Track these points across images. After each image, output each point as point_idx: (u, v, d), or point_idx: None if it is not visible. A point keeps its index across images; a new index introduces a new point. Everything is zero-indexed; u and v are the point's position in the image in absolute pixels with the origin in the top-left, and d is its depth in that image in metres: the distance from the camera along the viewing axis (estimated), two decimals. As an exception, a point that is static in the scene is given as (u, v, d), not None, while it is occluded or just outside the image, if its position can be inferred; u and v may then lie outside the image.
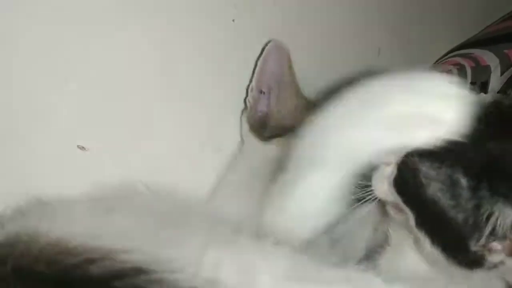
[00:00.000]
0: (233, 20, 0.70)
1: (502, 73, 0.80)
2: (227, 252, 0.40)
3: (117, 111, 0.63)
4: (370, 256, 0.54)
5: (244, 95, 0.72)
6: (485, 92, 0.79)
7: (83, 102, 0.60)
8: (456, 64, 0.87)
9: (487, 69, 0.82)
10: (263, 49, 0.68)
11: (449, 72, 0.86)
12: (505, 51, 0.84)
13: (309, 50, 0.79)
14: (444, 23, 1.07)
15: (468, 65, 0.85)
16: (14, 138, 0.56)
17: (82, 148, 0.63)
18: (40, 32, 0.54)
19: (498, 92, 0.77)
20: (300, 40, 0.76)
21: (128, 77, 0.63)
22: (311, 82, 0.73)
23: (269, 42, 0.67)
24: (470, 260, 0.45)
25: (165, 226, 0.44)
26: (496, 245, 0.43)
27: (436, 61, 0.95)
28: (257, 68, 0.67)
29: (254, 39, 0.71)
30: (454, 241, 0.45)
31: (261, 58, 0.67)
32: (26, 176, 0.58)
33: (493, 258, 0.44)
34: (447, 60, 0.92)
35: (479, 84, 0.80)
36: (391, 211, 0.51)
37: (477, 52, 0.87)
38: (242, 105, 0.72)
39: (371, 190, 0.49)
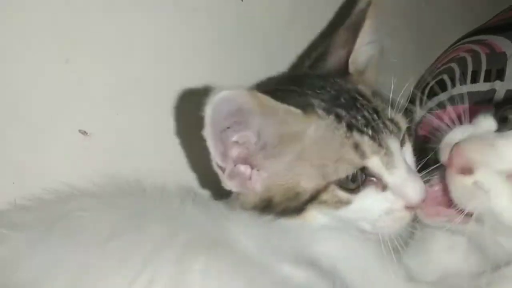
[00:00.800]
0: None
1: (519, 60, 0.77)
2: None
3: (118, 96, 0.63)
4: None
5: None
6: (501, 80, 0.76)
7: (85, 87, 0.60)
8: (470, 51, 0.84)
9: (503, 56, 0.79)
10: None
11: (461, 59, 0.84)
12: (520, 36, 0.81)
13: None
14: (456, 9, 1.05)
15: (482, 52, 0.83)
16: (15, 124, 0.55)
17: (84, 132, 0.61)
18: (41, 19, 0.54)
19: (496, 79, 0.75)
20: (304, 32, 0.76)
21: (130, 63, 0.63)
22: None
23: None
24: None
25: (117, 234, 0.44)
26: None
27: (449, 47, 0.93)
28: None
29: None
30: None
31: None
32: (28, 161, 0.57)
33: None
34: (459, 46, 0.89)
35: (495, 72, 0.78)
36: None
37: (491, 38, 0.85)
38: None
39: None
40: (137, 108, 0.65)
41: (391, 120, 0.48)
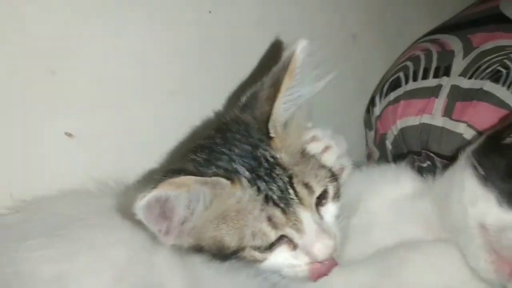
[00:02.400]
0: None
1: (464, 57, 0.84)
2: None
3: (103, 98, 0.68)
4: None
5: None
6: (448, 76, 0.84)
7: (70, 89, 0.65)
8: (424, 50, 0.92)
9: (451, 54, 0.87)
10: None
11: (416, 57, 0.91)
12: (469, 36, 0.88)
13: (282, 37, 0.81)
14: (420, 9, 1.11)
15: (435, 50, 0.90)
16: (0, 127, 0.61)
17: (70, 135, 0.69)
18: (27, 21, 0.58)
19: (459, 75, 0.82)
20: (273, 28, 0.80)
21: (114, 68, 0.67)
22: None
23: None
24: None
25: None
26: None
27: (408, 47, 1.00)
28: None
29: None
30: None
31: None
32: (14, 163, 0.62)
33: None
34: (417, 45, 0.96)
35: (443, 68, 0.85)
36: None
37: (443, 37, 0.92)
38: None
39: None
40: (122, 111, 0.70)
41: (306, 185, 0.51)
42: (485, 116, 0.76)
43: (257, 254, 0.50)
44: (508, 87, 0.76)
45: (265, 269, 0.52)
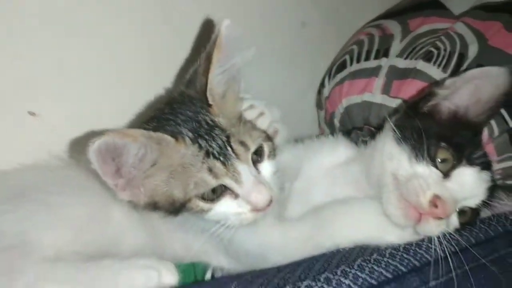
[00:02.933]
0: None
1: (402, 40, 0.92)
2: None
3: (66, 79, 0.73)
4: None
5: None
6: (387, 57, 0.91)
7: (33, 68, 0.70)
8: (368, 34, 0.99)
9: (391, 37, 0.94)
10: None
11: (360, 41, 0.99)
12: (408, 20, 0.96)
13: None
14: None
15: (377, 34, 0.97)
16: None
17: (33, 114, 0.74)
18: None
19: (396, 56, 0.89)
20: (219, 13, 0.82)
21: (75, 47, 0.72)
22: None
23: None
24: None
25: None
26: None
27: (355, 32, 1.07)
28: None
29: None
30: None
31: None
32: None
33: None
34: (362, 31, 1.04)
35: (383, 50, 0.93)
36: None
37: (386, 22, 0.99)
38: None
39: None
40: (85, 91, 0.75)
41: (241, 143, 0.58)
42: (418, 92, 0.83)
43: (203, 204, 0.57)
44: (439, 65, 0.84)
45: (213, 218, 0.59)
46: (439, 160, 0.62)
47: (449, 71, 0.83)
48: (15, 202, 0.60)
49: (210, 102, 0.59)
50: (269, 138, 0.63)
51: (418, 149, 0.62)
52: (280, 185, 0.69)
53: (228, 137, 0.58)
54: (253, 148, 0.59)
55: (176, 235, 0.65)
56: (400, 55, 0.89)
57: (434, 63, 0.84)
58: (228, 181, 0.57)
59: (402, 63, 0.87)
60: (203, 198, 0.57)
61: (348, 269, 0.52)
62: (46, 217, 0.58)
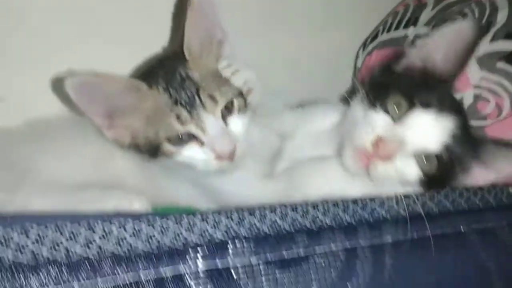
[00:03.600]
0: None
1: (433, 8, 0.88)
2: None
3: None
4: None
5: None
6: (415, 26, 0.88)
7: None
8: (405, 5, 0.95)
9: (424, 6, 0.90)
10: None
11: (396, 12, 0.96)
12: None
13: None
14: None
15: (412, 4, 0.93)
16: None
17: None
18: None
19: (424, 25, 0.86)
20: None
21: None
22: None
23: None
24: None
25: None
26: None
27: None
28: None
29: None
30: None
31: None
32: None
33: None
34: (402, 2, 1.00)
35: (413, 19, 0.89)
36: None
37: (421, -9, 0.95)
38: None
39: None
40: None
41: (210, 96, 0.63)
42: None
43: (171, 147, 0.64)
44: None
45: (183, 162, 0.65)
46: (393, 107, 0.61)
47: (473, 39, 0.78)
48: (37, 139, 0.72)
49: (187, 57, 0.65)
50: (241, 95, 0.67)
51: (371, 98, 0.62)
52: (273, 145, 0.73)
53: (198, 89, 0.63)
54: (221, 101, 0.64)
55: (168, 181, 0.73)
56: (427, 23, 0.85)
57: (459, 30, 0.80)
58: (193, 129, 0.63)
59: (426, 32, 0.84)
60: (171, 142, 0.64)
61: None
62: (56, 154, 0.69)
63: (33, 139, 0.72)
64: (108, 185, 0.70)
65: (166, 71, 0.65)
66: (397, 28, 0.91)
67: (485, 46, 0.76)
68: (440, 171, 0.61)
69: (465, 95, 0.76)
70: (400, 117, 0.61)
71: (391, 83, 0.63)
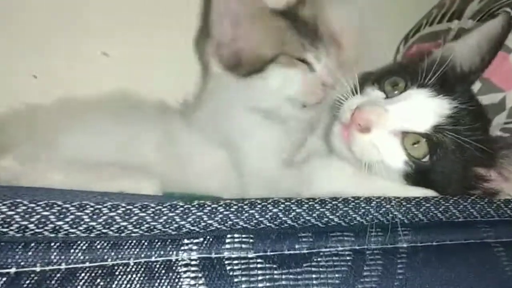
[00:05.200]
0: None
1: (480, 1, 0.81)
2: None
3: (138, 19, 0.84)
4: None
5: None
6: (459, 19, 0.82)
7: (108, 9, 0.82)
8: (452, -3, 0.90)
9: (471, -2, 0.84)
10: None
11: (442, 4, 0.90)
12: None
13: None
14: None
15: (460, -4, 0.87)
16: (41, 42, 0.79)
17: (105, 54, 0.87)
18: None
19: (469, 18, 0.80)
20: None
21: None
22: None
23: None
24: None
25: None
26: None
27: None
28: None
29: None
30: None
31: None
32: (53, 76, 0.81)
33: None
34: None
35: (458, 12, 0.83)
36: None
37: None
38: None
39: None
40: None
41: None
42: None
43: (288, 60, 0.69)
44: (510, 28, 0.73)
45: (271, 83, 0.69)
46: (390, 86, 0.61)
47: (520, 34, 0.71)
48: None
49: None
50: None
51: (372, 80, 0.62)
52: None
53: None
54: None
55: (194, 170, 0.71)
56: (472, 16, 0.79)
57: (505, 24, 0.73)
58: (311, 58, 0.69)
59: (471, 26, 0.78)
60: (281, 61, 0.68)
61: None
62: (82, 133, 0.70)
63: (63, 116, 0.74)
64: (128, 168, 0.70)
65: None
66: (440, 21, 0.85)
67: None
68: (432, 162, 0.56)
69: (509, 94, 0.70)
70: (393, 95, 0.59)
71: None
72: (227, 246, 0.44)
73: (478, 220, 0.53)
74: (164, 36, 0.87)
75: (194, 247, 0.43)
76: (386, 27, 0.98)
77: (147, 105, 0.78)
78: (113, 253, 0.40)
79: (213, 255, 0.43)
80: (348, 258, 0.47)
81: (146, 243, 0.42)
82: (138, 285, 0.40)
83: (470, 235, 0.52)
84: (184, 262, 0.42)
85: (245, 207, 0.45)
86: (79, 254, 0.39)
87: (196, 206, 0.43)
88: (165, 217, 0.42)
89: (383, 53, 0.99)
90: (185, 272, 0.42)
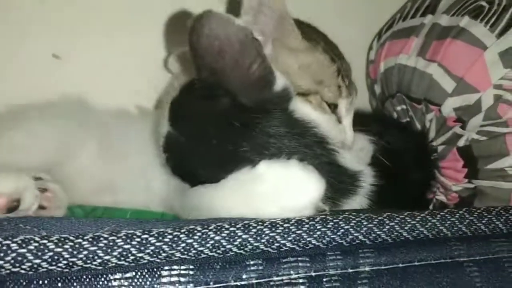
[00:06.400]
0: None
1: (455, -7, 0.76)
2: None
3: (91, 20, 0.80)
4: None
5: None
6: (433, 14, 0.77)
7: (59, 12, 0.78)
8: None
9: (445, -9, 0.79)
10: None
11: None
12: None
13: None
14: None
15: (434, -11, 0.82)
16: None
17: (57, 56, 0.81)
18: None
19: (443, 13, 0.75)
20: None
21: None
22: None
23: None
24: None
25: None
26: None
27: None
28: None
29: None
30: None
31: None
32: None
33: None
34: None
35: (432, 6, 0.78)
36: None
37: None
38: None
39: None
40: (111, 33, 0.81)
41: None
42: (457, 55, 0.69)
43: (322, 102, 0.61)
44: (486, 23, 0.68)
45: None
46: None
47: (497, 30, 0.67)
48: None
49: None
50: None
51: None
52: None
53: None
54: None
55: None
56: (447, 11, 0.74)
57: (482, 20, 0.68)
58: (344, 106, 0.62)
59: (445, 21, 0.73)
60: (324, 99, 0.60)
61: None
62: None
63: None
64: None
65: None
66: (413, 16, 0.80)
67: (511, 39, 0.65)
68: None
69: (484, 95, 0.65)
70: None
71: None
72: (163, 280, 0.39)
73: (449, 237, 0.48)
74: (123, 38, 0.82)
75: (125, 283, 0.38)
76: (358, 22, 0.93)
77: (95, 111, 0.72)
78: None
79: (147, 291, 0.38)
80: (302, 287, 0.42)
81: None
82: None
83: (440, 254, 0.48)
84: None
85: (181, 236, 0.39)
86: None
87: (123, 237, 0.38)
88: (85, 252, 0.37)
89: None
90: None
